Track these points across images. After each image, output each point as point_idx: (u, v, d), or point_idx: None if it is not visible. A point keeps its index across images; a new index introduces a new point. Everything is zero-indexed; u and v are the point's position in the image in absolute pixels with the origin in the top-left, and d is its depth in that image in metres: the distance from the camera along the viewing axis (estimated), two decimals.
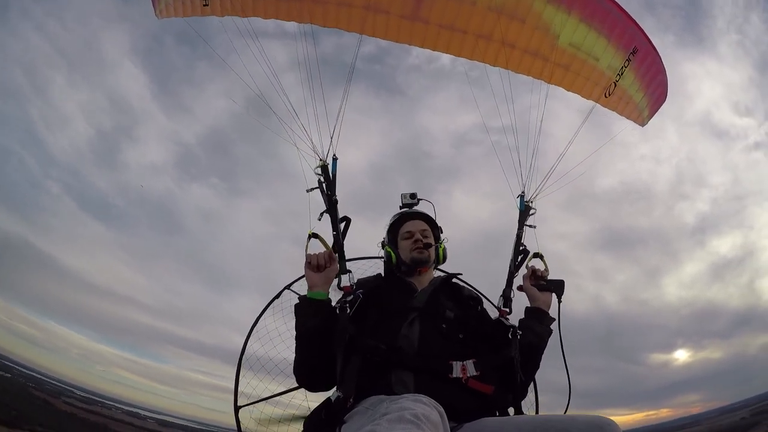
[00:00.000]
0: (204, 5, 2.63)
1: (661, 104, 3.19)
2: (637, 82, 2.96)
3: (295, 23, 2.74)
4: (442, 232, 2.32)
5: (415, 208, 2.38)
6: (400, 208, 2.41)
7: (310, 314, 1.83)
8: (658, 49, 2.88)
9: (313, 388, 1.92)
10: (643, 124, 3.23)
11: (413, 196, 2.36)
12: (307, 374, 1.87)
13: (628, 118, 3.14)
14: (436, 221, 2.32)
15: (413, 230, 2.20)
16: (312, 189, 2.24)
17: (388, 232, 2.28)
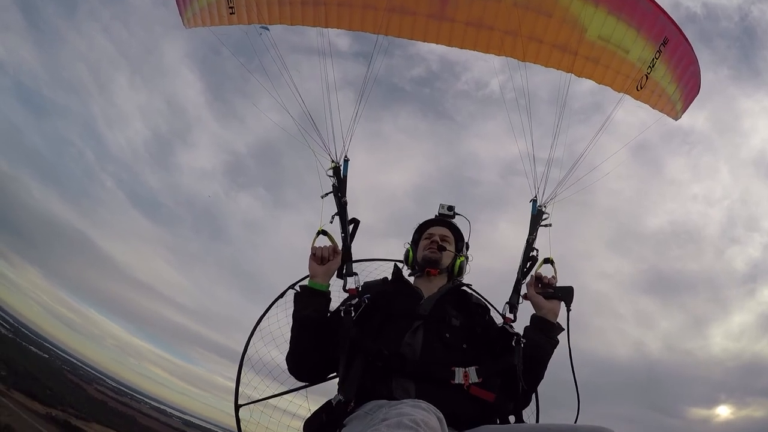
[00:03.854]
0: (231, 13, 2.66)
1: (695, 96, 3.10)
2: (669, 73, 2.88)
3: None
4: (467, 249, 2.32)
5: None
6: (435, 216, 2.39)
7: (308, 302, 1.87)
8: (691, 42, 2.81)
9: (301, 376, 1.98)
10: (676, 117, 3.14)
11: (450, 208, 2.33)
12: (297, 362, 1.90)
13: (661, 112, 3.06)
14: (466, 237, 2.31)
15: (434, 233, 2.23)
16: (326, 194, 2.24)
17: (415, 232, 2.34)
